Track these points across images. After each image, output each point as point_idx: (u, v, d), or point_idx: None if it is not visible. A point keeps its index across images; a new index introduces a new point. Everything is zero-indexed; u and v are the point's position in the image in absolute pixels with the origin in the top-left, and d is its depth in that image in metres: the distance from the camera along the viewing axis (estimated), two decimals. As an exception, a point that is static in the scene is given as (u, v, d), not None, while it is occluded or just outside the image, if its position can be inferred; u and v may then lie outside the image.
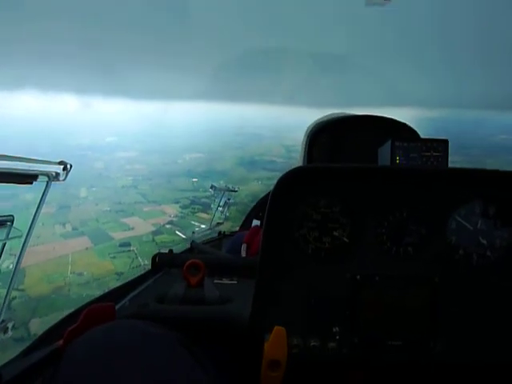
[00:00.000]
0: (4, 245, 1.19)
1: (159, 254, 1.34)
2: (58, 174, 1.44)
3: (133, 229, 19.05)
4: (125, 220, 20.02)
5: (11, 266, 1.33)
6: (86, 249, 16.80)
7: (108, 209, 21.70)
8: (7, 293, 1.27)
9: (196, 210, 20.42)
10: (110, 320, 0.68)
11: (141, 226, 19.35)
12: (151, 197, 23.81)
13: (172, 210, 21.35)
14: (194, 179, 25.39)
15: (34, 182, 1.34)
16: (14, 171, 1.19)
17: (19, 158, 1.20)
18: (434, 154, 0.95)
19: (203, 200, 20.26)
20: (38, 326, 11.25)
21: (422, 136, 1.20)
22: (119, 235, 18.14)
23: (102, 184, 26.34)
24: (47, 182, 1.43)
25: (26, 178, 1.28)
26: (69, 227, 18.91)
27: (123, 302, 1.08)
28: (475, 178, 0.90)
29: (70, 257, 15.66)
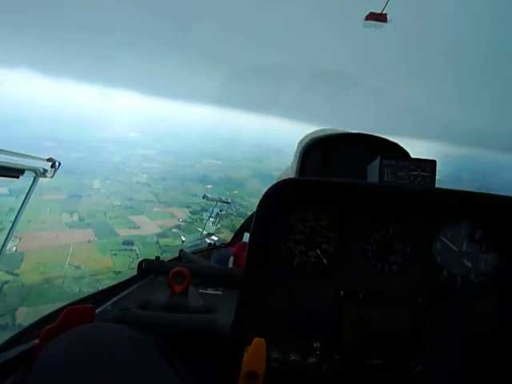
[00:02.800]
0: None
1: (146, 261, 1.32)
2: (45, 171, 1.45)
3: (139, 227, 18.71)
4: (132, 217, 19.71)
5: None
6: (89, 241, 16.48)
7: (118, 203, 21.48)
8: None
9: (205, 218, 19.96)
10: (88, 322, 0.68)
11: (147, 226, 18.98)
12: (163, 197, 23.57)
13: (181, 214, 20.94)
14: (209, 186, 25.05)
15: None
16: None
17: (6, 151, 1.20)
18: (422, 173, 0.94)
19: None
20: (25, 315, 10.82)
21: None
22: (124, 232, 17.75)
23: (116, 178, 26.32)
24: (34, 178, 1.44)
25: (13, 172, 1.28)
26: (75, 217, 18.68)
27: (105, 305, 1.04)
28: (463, 200, 0.89)
29: (71, 247, 15.30)
